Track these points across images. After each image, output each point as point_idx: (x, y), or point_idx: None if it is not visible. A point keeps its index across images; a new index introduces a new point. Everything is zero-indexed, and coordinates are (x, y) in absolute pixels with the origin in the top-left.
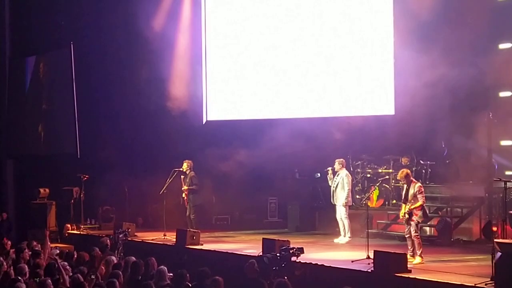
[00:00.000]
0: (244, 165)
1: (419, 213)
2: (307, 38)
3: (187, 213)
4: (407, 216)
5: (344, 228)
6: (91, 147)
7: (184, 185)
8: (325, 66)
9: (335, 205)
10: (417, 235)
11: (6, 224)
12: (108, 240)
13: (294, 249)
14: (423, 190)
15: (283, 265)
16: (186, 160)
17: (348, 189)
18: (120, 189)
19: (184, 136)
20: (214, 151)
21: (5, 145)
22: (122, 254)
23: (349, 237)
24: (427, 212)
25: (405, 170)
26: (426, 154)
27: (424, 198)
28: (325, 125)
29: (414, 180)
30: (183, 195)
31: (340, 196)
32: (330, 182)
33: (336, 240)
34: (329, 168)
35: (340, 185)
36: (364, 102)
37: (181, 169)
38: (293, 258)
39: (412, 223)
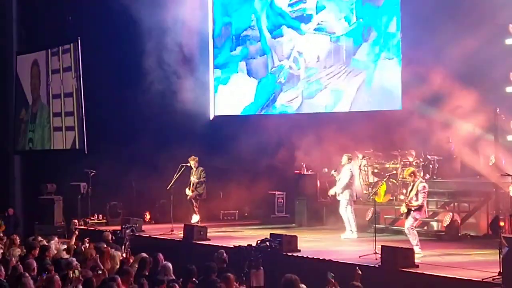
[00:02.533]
0: (251, 160)
1: (418, 211)
2: (312, 32)
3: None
4: (405, 210)
5: (349, 223)
6: (98, 142)
7: (192, 180)
8: (332, 61)
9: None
10: (412, 227)
11: (13, 219)
12: (110, 235)
13: (272, 242)
14: (426, 190)
15: (259, 255)
16: (192, 157)
17: (349, 184)
18: (128, 185)
19: (192, 131)
20: (221, 146)
21: (13, 141)
22: (129, 249)
23: (355, 231)
24: (426, 211)
25: (411, 169)
26: (434, 149)
27: (424, 198)
28: (333, 120)
29: (419, 178)
30: (190, 190)
31: (341, 190)
32: (336, 178)
33: (343, 236)
34: (334, 171)
35: (342, 179)
36: (371, 97)
37: (188, 165)
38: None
39: (409, 216)
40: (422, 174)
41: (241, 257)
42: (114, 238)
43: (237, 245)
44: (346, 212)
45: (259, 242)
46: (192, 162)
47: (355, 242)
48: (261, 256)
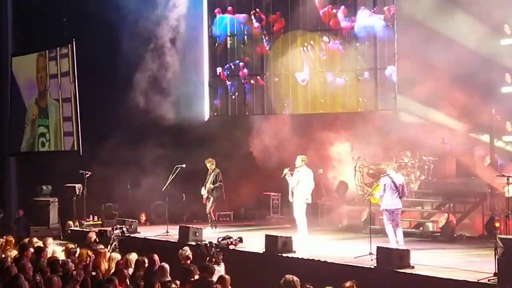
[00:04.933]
0: (246, 161)
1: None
2: (310, 35)
3: (208, 209)
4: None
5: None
6: (93, 143)
7: (208, 182)
8: (328, 62)
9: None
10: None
11: (23, 221)
12: (95, 235)
13: (233, 239)
14: (379, 183)
15: (220, 251)
16: (209, 159)
17: (309, 186)
18: (123, 186)
19: (187, 132)
20: (216, 147)
21: (8, 143)
22: (117, 249)
23: (306, 235)
24: (386, 204)
25: (393, 165)
26: (429, 150)
27: (384, 191)
28: (328, 121)
29: (386, 173)
30: (205, 191)
31: (298, 194)
32: (288, 180)
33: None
34: (287, 169)
35: (302, 181)
36: (367, 99)
37: (184, 166)
38: (232, 247)
39: None
40: (418, 174)
41: (203, 253)
42: (97, 240)
43: (199, 242)
44: (302, 216)
45: (220, 239)
46: (208, 165)
47: (351, 243)
48: (222, 252)
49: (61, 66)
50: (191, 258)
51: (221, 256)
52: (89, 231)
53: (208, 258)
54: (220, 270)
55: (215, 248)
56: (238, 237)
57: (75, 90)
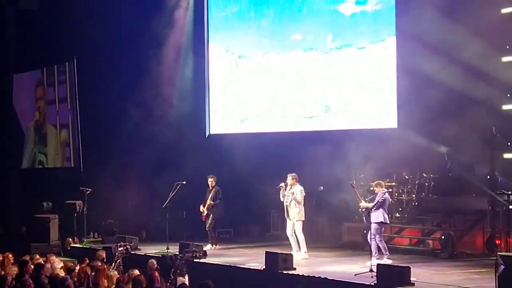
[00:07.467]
0: (247, 178)
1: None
2: (310, 52)
3: (207, 226)
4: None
5: (298, 244)
6: (94, 160)
7: (208, 199)
8: (328, 79)
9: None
10: (372, 237)
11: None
12: (104, 254)
13: (197, 252)
14: (381, 199)
15: (184, 263)
16: (212, 175)
17: (301, 204)
18: (123, 203)
19: (187, 149)
20: (216, 164)
21: (9, 159)
22: (121, 267)
23: (305, 252)
24: (385, 218)
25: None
26: (429, 167)
27: (382, 206)
28: (328, 138)
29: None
30: (205, 208)
31: (293, 212)
32: (281, 198)
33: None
34: (282, 184)
35: (294, 200)
36: (367, 115)
37: (184, 182)
38: (196, 260)
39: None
40: (418, 191)
41: (168, 265)
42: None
43: (164, 254)
44: (299, 233)
45: (185, 251)
46: (210, 181)
47: (351, 260)
48: (187, 265)
49: (59, 93)
50: (159, 269)
51: (185, 268)
52: (99, 249)
53: (173, 270)
54: (184, 280)
55: (180, 260)
56: (203, 251)
57: (74, 118)
